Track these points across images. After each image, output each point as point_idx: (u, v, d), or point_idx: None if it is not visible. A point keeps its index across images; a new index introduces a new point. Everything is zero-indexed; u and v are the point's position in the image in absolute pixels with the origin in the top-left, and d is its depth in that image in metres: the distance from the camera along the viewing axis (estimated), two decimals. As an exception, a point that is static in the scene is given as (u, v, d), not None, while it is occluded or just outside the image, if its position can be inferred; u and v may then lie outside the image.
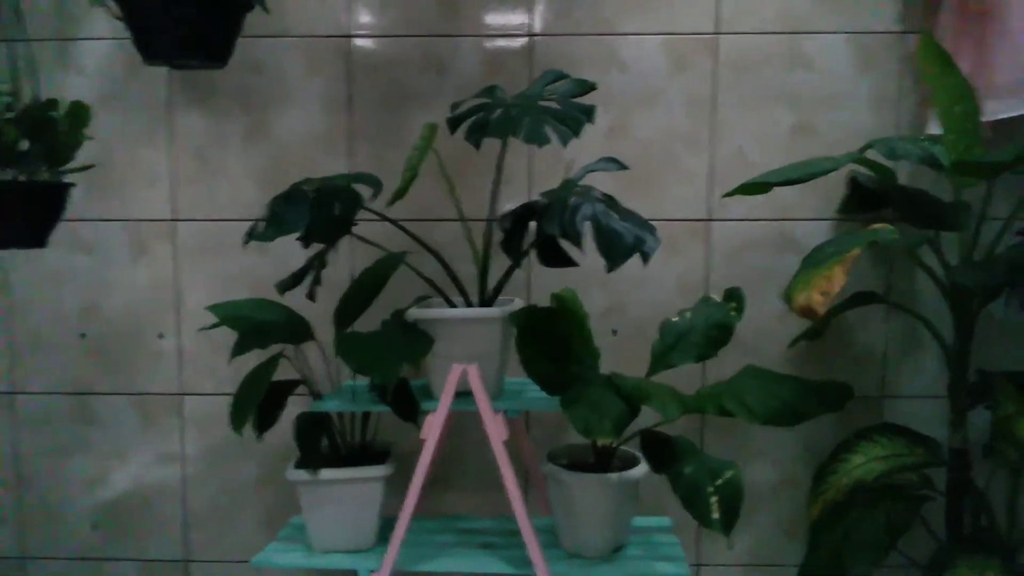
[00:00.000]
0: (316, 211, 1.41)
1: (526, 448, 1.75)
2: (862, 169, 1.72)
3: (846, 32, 1.81)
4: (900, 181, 1.79)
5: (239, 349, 1.44)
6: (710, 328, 1.61)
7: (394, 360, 1.38)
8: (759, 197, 1.82)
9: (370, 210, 1.53)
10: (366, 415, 1.69)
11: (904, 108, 1.82)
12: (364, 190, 1.48)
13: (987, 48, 1.64)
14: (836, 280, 1.23)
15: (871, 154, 1.60)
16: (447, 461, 1.91)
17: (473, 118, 1.39)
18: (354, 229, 1.53)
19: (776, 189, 1.57)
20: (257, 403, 1.45)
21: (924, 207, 1.57)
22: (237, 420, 1.43)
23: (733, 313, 1.62)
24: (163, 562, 1.97)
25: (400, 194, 1.46)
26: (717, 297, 1.66)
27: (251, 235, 1.39)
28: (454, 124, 1.42)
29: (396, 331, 1.52)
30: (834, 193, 1.83)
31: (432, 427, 1.49)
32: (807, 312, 1.25)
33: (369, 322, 1.79)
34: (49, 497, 1.97)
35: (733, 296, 1.65)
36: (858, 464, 1.51)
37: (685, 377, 1.85)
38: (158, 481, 1.95)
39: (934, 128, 1.72)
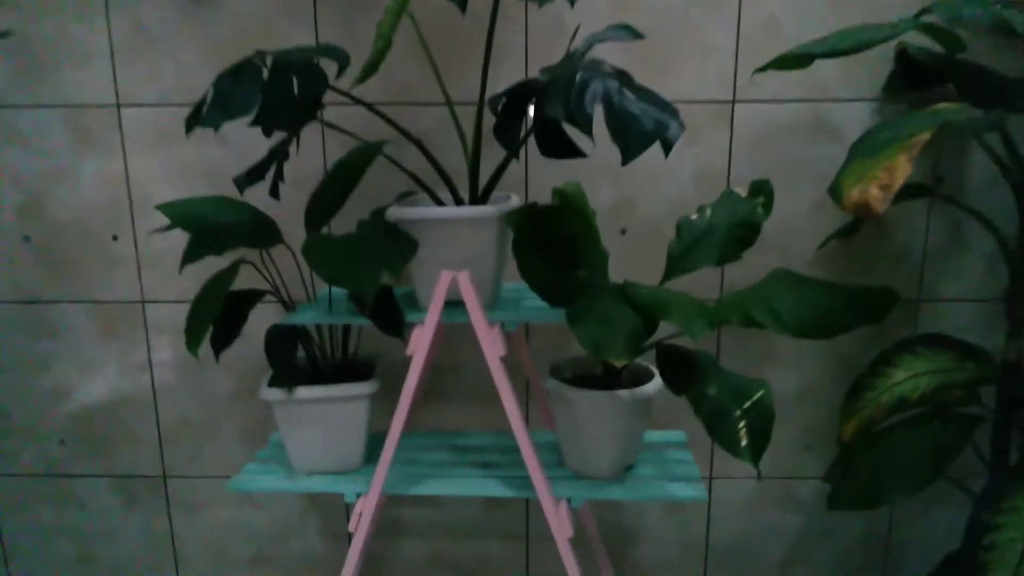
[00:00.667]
0: (270, 91, 1.17)
1: (526, 360, 1.59)
2: (913, 40, 1.47)
3: None
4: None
5: (189, 255, 1.24)
6: (734, 226, 1.41)
7: (372, 268, 1.18)
8: (791, 74, 1.59)
9: (339, 91, 1.30)
10: (347, 326, 1.51)
11: (968, -36, 1.54)
12: (330, 66, 1.24)
13: None
14: (900, 171, 1.02)
15: (930, 20, 1.35)
16: (440, 372, 1.75)
17: (458, -28, 1.13)
18: (323, 114, 1.30)
19: (811, 65, 1.33)
20: (213, 318, 1.26)
21: (993, 84, 1.33)
22: (191, 339, 1.25)
23: (760, 210, 1.42)
24: (138, 478, 1.85)
25: (370, 69, 1.21)
26: (742, 191, 1.45)
27: (193, 120, 1.16)
28: (434, -21, 1.15)
29: (374, 233, 1.32)
30: (878, 69, 1.58)
31: (419, 342, 1.31)
32: (863, 210, 1.05)
33: (346, 222, 1.59)
34: (12, 413, 1.82)
35: (760, 190, 1.43)
36: (900, 380, 1.34)
37: (704, 282, 1.67)
38: (126, 395, 1.79)
39: (1003, -12, 1.46)
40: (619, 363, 1.10)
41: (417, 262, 1.33)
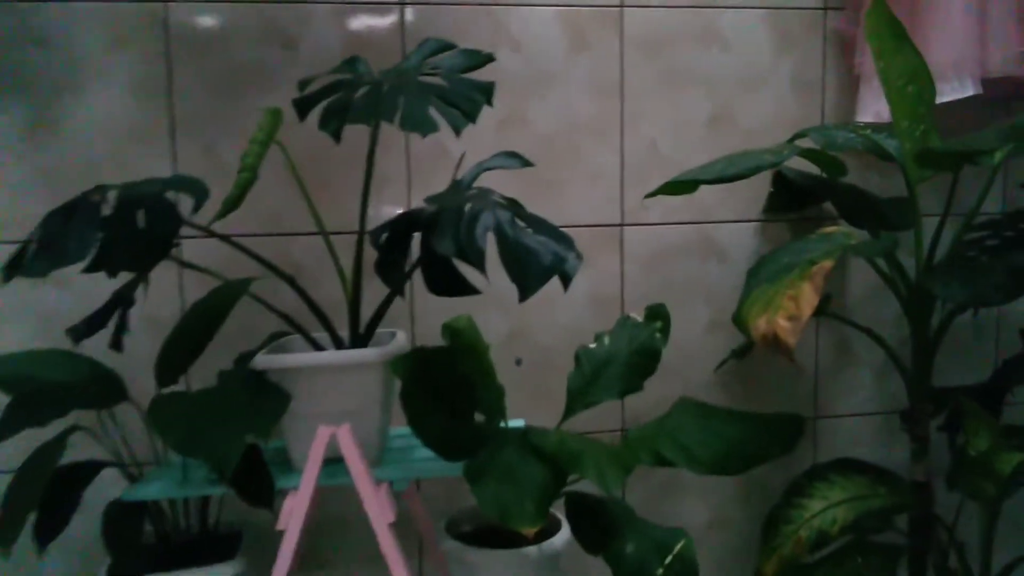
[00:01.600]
0: (112, 230, 1.01)
1: (420, 515, 1.41)
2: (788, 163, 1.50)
3: (763, 8, 1.58)
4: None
5: (5, 428, 1.01)
6: (634, 355, 1.34)
7: (232, 433, 1.01)
8: (677, 198, 1.58)
9: (196, 226, 1.15)
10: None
11: (830, 93, 1.62)
12: (186, 200, 1.09)
13: (920, 24, 1.45)
14: (806, 301, 0.98)
15: (805, 144, 1.38)
16: (320, 532, 1.53)
17: (330, 99, 1.03)
18: (183, 248, 1.14)
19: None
20: (34, 506, 1.03)
21: (868, 205, 1.36)
22: (5, 535, 1.00)
23: (659, 335, 1.36)
24: None
25: (232, 204, 1.08)
26: (638, 316, 1.40)
27: (13, 267, 0.98)
28: (303, 107, 1.05)
29: (238, 386, 1.14)
30: (756, 191, 1.61)
31: (293, 514, 1.12)
32: (771, 342, 0.99)
33: (210, 372, 1.40)
34: None
35: (657, 314, 1.38)
36: (817, 511, 1.27)
37: (605, 412, 1.58)
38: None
39: (864, 115, 1.53)
40: (529, 531, 0.96)
41: (290, 416, 1.16)
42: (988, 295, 1.04)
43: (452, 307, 1.33)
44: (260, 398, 1.11)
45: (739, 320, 1.07)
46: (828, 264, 1.00)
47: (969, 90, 1.44)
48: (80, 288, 1.41)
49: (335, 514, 1.52)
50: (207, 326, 1.20)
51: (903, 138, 1.23)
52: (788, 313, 0.98)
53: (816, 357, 1.67)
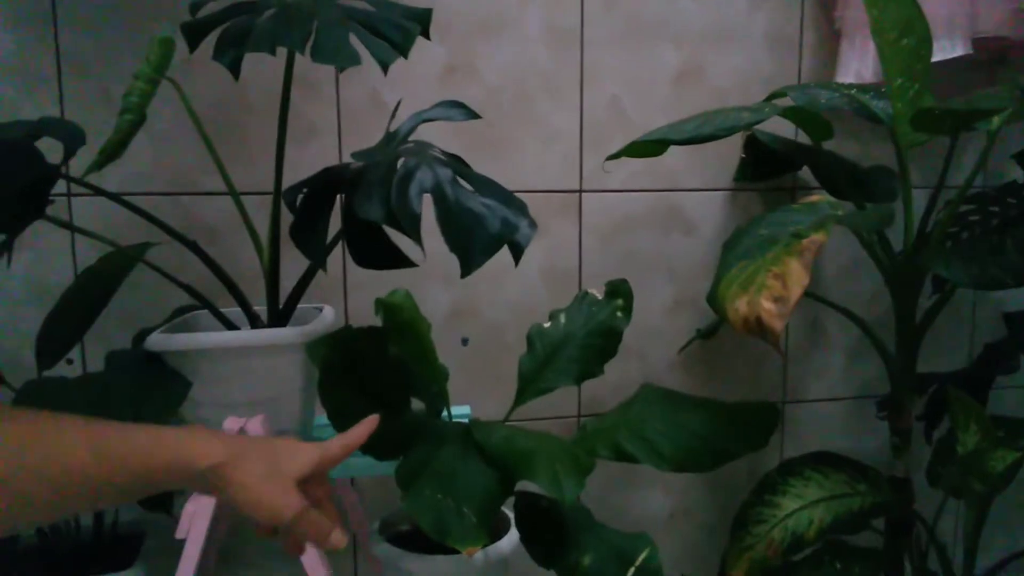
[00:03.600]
0: (-42, 182, 0.82)
1: (354, 512, 1.26)
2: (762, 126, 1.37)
3: (738, -48, 1.43)
4: (801, 140, 1.46)
5: None
6: (592, 335, 1.20)
7: (113, 430, 0.83)
8: (638, 162, 1.43)
9: (76, 180, 0.96)
10: (99, 491, 1.12)
11: (807, 50, 1.48)
12: (57, 147, 0.90)
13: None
14: (794, 279, 0.84)
15: (784, 103, 1.25)
16: (245, 529, 1.37)
17: (227, 23, 0.85)
18: (75, 212, 0.95)
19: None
20: None
21: (849, 173, 1.23)
22: None
23: (620, 314, 1.22)
24: None
25: (111, 150, 0.89)
26: (598, 293, 1.25)
27: None
28: (195, 33, 0.85)
29: (128, 370, 0.97)
30: (725, 156, 1.47)
31: (195, 519, 0.95)
32: (755, 327, 0.85)
33: (98, 353, 1.22)
34: None
35: (618, 291, 1.24)
36: (791, 511, 1.16)
37: (559, 397, 1.43)
38: None
39: (845, 75, 1.40)
40: (470, 550, 0.81)
41: (193, 405, 0.99)
42: (1000, 278, 0.92)
43: (390, 278, 1.17)
44: (153, 384, 0.93)
45: (715, 301, 0.93)
46: (820, 238, 0.87)
47: (959, 50, 1.32)
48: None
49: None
50: (95, 299, 1.02)
51: (895, 98, 1.10)
52: (773, 293, 0.84)
53: (786, 338, 1.55)
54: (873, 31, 1.10)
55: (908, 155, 1.12)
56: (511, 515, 1.15)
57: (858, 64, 1.39)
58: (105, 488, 0.54)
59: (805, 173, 1.48)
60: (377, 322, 1.01)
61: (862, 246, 1.20)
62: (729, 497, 1.52)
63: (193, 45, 0.85)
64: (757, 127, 1.34)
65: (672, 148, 1.23)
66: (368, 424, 0.72)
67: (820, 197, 1.06)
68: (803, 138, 1.45)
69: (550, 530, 0.95)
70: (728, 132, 1.10)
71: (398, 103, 1.09)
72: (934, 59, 1.27)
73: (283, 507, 0.62)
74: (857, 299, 1.53)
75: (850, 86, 1.27)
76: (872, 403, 1.55)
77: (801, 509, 1.16)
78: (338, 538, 0.67)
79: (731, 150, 1.46)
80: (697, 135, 1.11)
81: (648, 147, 1.19)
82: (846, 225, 0.96)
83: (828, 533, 1.13)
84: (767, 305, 0.85)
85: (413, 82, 1.32)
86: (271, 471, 0.62)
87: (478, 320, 1.42)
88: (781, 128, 1.43)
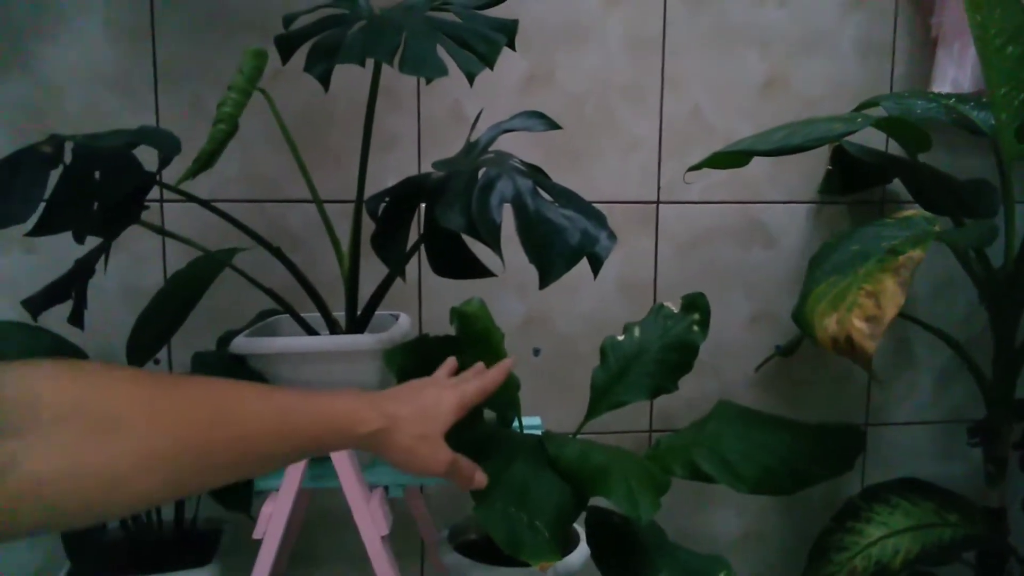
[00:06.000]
0: (63, 187, 0.86)
1: (423, 520, 1.27)
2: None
3: (828, -43, 1.39)
4: (892, 151, 1.40)
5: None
6: (667, 349, 1.17)
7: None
8: (717, 173, 1.39)
9: (170, 187, 0.99)
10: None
11: (900, 58, 1.42)
12: (152, 155, 0.94)
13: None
14: (889, 298, 0.81)
15: (876, 112, 1.20)
16: (312, 529, 1.40)
17: (318, 36, 0.86)
18: (166, 217, 0.99)
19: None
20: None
21: (947, 187, 1.17)
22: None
23: (696, 328, 1.19)
24: None
25: (205, 160, 0.92)
26: (673, 306, 1.22)
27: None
28: (287, 45, 0.87)
29: (212, 371, 0.99)
30: (810, 168, 1.42)
31: (272, 520, 0.97)
32: (845, 347, 0.82)
33: (184, 354, 1.26)
34: None
35: (695, 305, 1.21)
36: (875, 539, 1.11)
37: (631, 410, 1.41)
38: None
39: (941, 84, 1.34)
40: (543, 565, 0.81)
41: (273, 408, 1.01)
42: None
43: (465, 287, 1.17)
44: (236, 388, 0.96)
45: (801, 318, 0.90)
46: (918, 255, 0.83)
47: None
48: (49, 253, 1.27)
49: (329, 508, 1.37)
50: (184, 301, 1.05)
51: (998, 108, 1.04)
52: (866, 312, 0.81)
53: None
54: (976, 38, 1.04)
55: (1012, 168, 1.06)
56: (581, 530, 1.14)
57: (956, 72, 1.32)
58: (279, 453, 0.58)
59: (894, 186, 1.42)
60: (451, 330, 1.02)
61: (959, 262, 1.14)
62: (804, 521, 1.46)
63: (285, 57, 0.87)
64: (845, 138, 1.29)
65: (754, 159, 1.19)
66: (503, 368, 0.81)
67: (915, 212, 1.02)
68: (894, 149, 1.39)
69: (622, 548, 0.93)
70: (818, 143, 1.07)
71: (479, 113, 1.10)
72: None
73: (435, 462, 0.69)
74: (949, 318, 1.45)
75: (948, 96, 1.21)
76: (962, 428, 1.46)
77: (886, 537, 1.10)
78: (480, 478, 0.76)
79: (815, 161, 1.41)
80: (785, 146, 1.08)
81: (732, 158, 1.17)
82: (945, 241, 0.92)
83: (915, 564, 1.07)
84: (859, 324, 0.81)
85: (493, 92, 1.32)
86: (423, 431, 0.68)
87: (551, 331, 1.41)
88: (870, 139, 1.38)
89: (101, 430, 0.45)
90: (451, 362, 0.86)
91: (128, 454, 0.46)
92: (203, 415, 0.52)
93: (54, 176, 0.87)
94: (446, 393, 0.73)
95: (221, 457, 0.53)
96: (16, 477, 0.42)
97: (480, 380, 0.77)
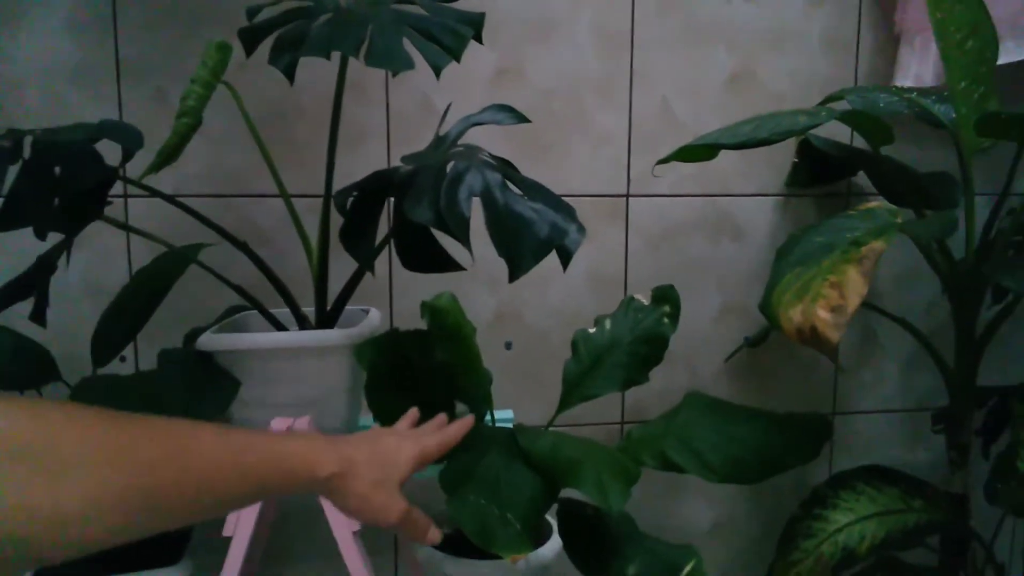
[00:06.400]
0: (22, 183, 0.84)
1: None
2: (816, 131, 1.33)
3: (793, -47, 1.40)
4: (857, 145, 1.42)
5: None
6: (638, 342, 1.18)
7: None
8: (686, 166, 1.40)
9: (132, 182, 0.98)
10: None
11: (864, 53, 1.44)
12: (116, 149, 0.92)
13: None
14: (852, 288, 0.82)
15: (840, 106, 1.21)
16: (286, 522, 1.39)
17: (283, 28, 0.86)
18: (131, 213, 0.97)
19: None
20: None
21: (909, 179, 1.19)
22: None
23: (666, 320, 1.20)
24: None
25: (168, 154, 0.91)
26: (644, 299, 1.23)
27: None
28: (251, 37, 0.86)
29: (179, 369, 0.98)
30: (777, 161, 1.44)
31: (241, 518, 0.97)
32: (810, 337, 0.83)
33: (150, 351, 1.24)
34: None
35: (665, 297, 1.22)
36: (841, 525, 1.13)
37: (603, 402, 1.42)
38: None
39: (904, 78, 1.36)
40: (514, 558, 0.81)
41: (241, 405, 1.00)
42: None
43: (436, 282, 1.17)
44: (203, 384, 0.95)
45: (767, 308, 0.91)
46: (880, 246, 0.84)
47: (1025, 52, 1.27)
48: (9, 250, 1.24)
49: (301, 504, 1.36)
50: (149, 298, 1.04)
51: (958, 102, 1.06)
52: (830, 303, 0.82)
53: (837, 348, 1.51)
54: (937, 33, 1.06)
55: (971, 161, 1.08)
56: (553, 522, 1.14)
57: (918, 67, 1.35)
58: (234, 494, 0.56)
59: (859, 179, 1.45)
60: (422, 325, 1.01)
61: (921, 254, 1.17)
62: (773, 509, 1.48)
63: (250, 50, 0.86)
64: (811, 131, 1.31)
65: (722, 152, 1.20)
66: (463, 424, 0.79)
67: (878, 204, 1.03)
68: (859, 142, 1.42)
69: (594, 539, 0.94)
70: (783, 136, 1.08)
71: (448, 107, 1.09)
72: (999, 62, 1.23)
73: (390, 512, 0.68)
74: (913, 309, 1.48)
75: (910, 89, 1.23)
76: (926, 416, 1.50)
77: (853, 524, 1.13)
78: (434, 535, 0.74)
79: (783, 155, 1.43)
80: (751, 139, 1.09)
81: (700, 151, 1.18)
82: (907, 233, 0.94)
83: (881, 549, 1.10)
84: (823, 315, 0.82)
85: (462, 86, 1.32)
86: (380, 477, 0.67)
87: (522, 324, 1.41)
88: (835, 132, 1.40)
89: (49, 471, 0.44)
90: (413, 413, 0.85)
91: (75, 496, 0.45)
92: (154, 455, 0.50)
93: (13, 171, 0.85)
94: (406, 443, 0.72)
95: (172, 499, 0.51)
96: None
97: (441, 435, 0.76)
